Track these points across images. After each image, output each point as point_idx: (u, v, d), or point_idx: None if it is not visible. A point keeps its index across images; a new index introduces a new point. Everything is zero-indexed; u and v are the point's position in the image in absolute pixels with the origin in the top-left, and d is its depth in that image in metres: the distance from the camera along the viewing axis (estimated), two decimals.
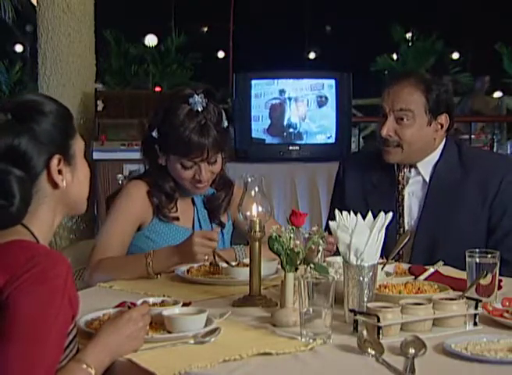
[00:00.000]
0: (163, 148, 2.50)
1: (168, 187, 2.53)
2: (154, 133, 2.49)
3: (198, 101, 2.45)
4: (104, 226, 2.47)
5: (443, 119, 2.65)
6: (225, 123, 2.52)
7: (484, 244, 2.53)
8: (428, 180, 2.68)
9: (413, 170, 2.70)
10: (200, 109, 2.45)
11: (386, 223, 1.90)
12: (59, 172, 1.57)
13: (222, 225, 2.64)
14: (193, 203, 2.62)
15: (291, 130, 5.13)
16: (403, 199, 2.69)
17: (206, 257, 2.28)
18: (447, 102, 2.67)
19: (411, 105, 2.60)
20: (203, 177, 2.49)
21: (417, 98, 2.61)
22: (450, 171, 2.67)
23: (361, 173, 2.79)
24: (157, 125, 2.49)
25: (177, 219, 2.55)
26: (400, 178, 2.71)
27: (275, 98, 5.11)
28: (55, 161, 1.56)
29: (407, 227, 2.66)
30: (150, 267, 2.31)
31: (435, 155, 2.69)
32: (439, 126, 2.65)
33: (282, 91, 5.11)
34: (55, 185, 1.57)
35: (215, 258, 2.33)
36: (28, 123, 1.54)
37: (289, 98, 5.12)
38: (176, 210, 2.56)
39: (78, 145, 1.63)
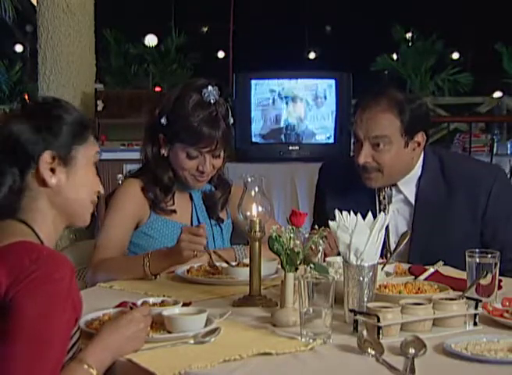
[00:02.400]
0: (169, 136, 2.50)
1: (166, 178, 2.52)
2: (163, 120, 2.48)
3: (212, 92, 2.46)
4: (103, 226, 2.47)
5: (420, 137, 2.57)
6: (231, 120, 2.53)
7: None
8: (411, 198, 2.63)
9: (394, 189, 2.64)
10: (212, 101, 2.46)
11: (386, 223, 1.90)
12: (52, 170, 1.57)
13: (220, 221, 2.64)
14: (191, 199, 2.62)
15: (291, 129, 5.14)
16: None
17: (195, 253, 2.26)
18: (422, 120, 2.58)
19: (386, 130, 2.52)
20: (206, 168, 2.49)
21: (391, 122, 2.52)
22: (435, 188, 2.61)
23: (341, 192, 2.69)
24: (167, 112, 2.49)
25: (174, 212, 2.55)
26: (382, 198, 2.65)
27: (274, 98, 5.12)
28: (45, 156, 1.57)
29: (393, 247, 2.56)
30: (147, 267, 2.31)
31: (416, 172, 2.63)
32: (416, 145, 2.58)
33: (281, 91, 5.12)
34: (43, 181, 1.57)
35: (211, 258, 2.33)
36: (32, 116, 1.58)
37: (289, 98, 5.12)
38: (173, 203, 2.55)
39: (84, 153, 1.63)
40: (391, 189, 2.65)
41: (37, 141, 1.56)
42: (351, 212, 1.91)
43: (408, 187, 2.63)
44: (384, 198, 2.65)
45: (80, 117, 1.64)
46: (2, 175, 1.54)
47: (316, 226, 1.99)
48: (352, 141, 2.63)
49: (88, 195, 1.66)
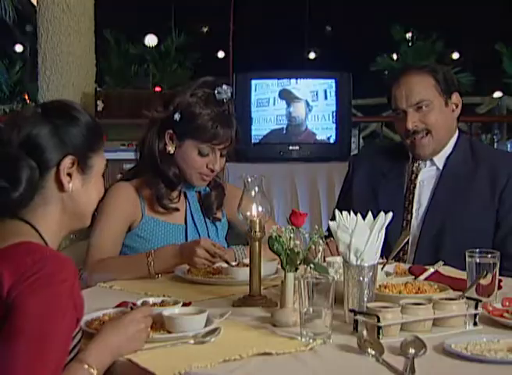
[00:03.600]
0: (180, 133, 2.49)
1: (172, 173, 2.52)
2: (177, 116, 2.47)
3: (226, 91, 2.47)
4: (96, 228, 2.45)
5: (455, 98, 2.69)
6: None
7: (491, 237, 2.55)
8: (441, 169, 2.71)
9: (428, 162, 2.72)
10: (225, 100, 2.48)
11: (386, 223, 1.90)
12: (69, 175, 1.58)
13: (216, 220, 2.64)
14: (185, 198, 2.61)
15: (291, 130, 5.14)
16: (414, 187, 2.70)
17: (206, 265, 2.31)
18: (454, 81, 2.71)
19: (426, 93, 2.62)
20: (217, 166, 2.50)
21: (427, 83, 2.63)
22: (462, 162, 2.69)
23: (371, 166, 2.82)
24: (181, 108, 2.48)
25: (177, 210, 2.55)
26: (414, 168, 2.72)
27: (275, 98, 5.12)
28: (67, 160, 1.57)
29: (415, 214, 2.67)
30: (151, 267, 2.31)
31: (449, 148, 2.71)
32: (454, 106, 2.69)
33: (282, 91, 5.12)
34: (61, 186, 1.58)
35: (226, 260, 2.32)
36: (53, 119, 1.57)
37: (289, 98, 5.12)
38: (178, 200, 2.55)
39: (98, 162, 1.66)
40: (425, 163, 2.73)
41: (57, 146, 1.56)
42: (350, 213, 1.91)
43: (440, 160, 2.71)
44: (417, 169, 2.72)
45: (96, 123, 1.65)
46: (21, 173, 1.52)
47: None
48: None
49: (95, 203, 1.68)
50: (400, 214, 2.59)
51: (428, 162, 2.72)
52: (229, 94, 2.48)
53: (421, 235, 2.63)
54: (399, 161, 2.76)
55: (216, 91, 2.47)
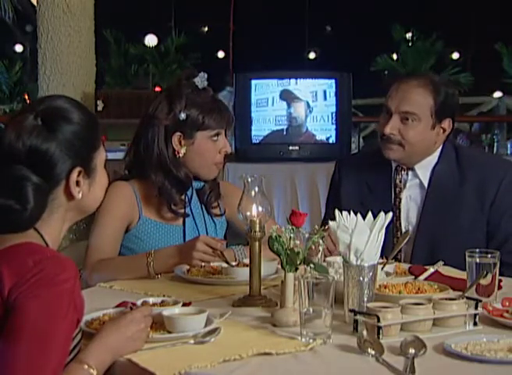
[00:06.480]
0: (190, 129, 2.49)
1: (183, 175, 2.51)
2: (183, 115, 2.48)
3: (202, 77, 2.52)
4: (95, 228, 2.45)
5: (447, 123, 2.63)
6: None
7: (484, 248, 2.53)
8: (425, 183, 2.67)
9: (410, 173, 2.69)
10: (206, 85, 2.54)
11: (386, 223, 1.90)
12: (77, 183, 1.57)
13: (217, 216, 2.64)
14: (185, 196, 2.60)
15: (291, 130, 5.14)
16: (400, 202, 2.68)
17: (202, 263, 2.30)
18: (453, 107, 2.65)
19: (418, 107, 2.57)
20: (228, 148, 2.54)
21: (424, 100, 2.58)
22: (449, 175, 2.65)
23: (357, 176, 2.77)
24: (183, 107, 2.49)
25: (187, 215, 2.55)
26: (398, 181, 2.69)
27: (274, 98, 5.12)
28: (75, 173, 1.56)
29: (404, 231, 2.64)
30: (151, 267, 2.31)
31: (433, 158, 2.67)
32: (441, 131, 2.63)
33: (282, 91, 5.12)
34: (71, 196, 1.58)
35: (223, 259, 2.32)
36: (56, 132, 1.54)
37: (289, 98, 5.12)
38: (188, 204, 2.55)
39: (100, 157, 1.64)
40: (407, 173, 2.69)
41: (65, 160, 1.54)
42: (350, 214, 1.91)
43: (424, 172, 2.68)
44: (400, 181, 2.70)
45: (90, 120, 1.63)
46: (28, 193, 1.49)
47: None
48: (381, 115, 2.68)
49: (101, 197, 1.68)
50: (390, 232, 2.55)
51: (410, 174, 2.69)
52: (206, 78, 2.54)
53: (413, 253, 2.62)
54: (383, 170, 2.71)
55: (198, 81, 2.51)
